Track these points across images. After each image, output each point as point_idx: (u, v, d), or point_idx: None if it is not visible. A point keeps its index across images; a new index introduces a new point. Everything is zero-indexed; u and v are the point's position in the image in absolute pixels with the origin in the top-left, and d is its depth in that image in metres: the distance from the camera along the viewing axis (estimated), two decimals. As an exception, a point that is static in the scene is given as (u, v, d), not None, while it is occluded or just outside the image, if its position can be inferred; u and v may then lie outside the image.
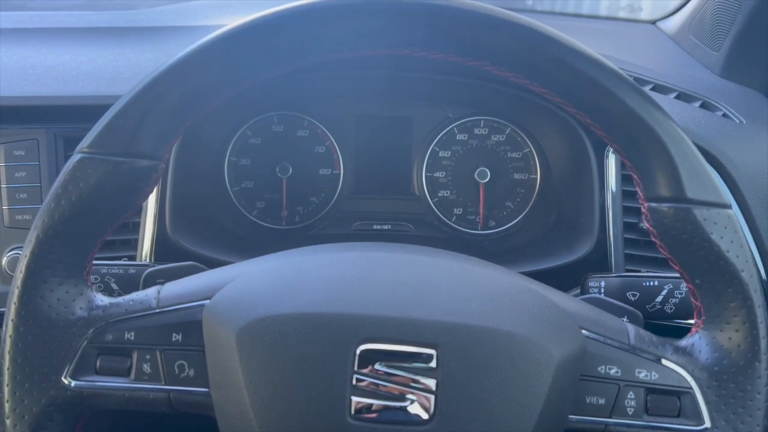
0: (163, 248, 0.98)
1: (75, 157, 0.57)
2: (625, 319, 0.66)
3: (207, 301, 0.59)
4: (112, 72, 1.02)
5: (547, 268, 0.98)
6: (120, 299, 0.60)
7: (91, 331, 0.58)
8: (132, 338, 0.58)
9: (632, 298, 0.76)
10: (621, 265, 0.98)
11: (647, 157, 0.59)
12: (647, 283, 0.76)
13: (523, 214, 1.16)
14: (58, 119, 0.96)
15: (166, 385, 0.58)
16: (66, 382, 0.57)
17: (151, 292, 0.61)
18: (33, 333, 0.57)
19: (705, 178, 0.58)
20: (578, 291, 0.82)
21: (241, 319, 0.57)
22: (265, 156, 1.15)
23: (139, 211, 0.99)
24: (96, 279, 0.75)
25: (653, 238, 0.62)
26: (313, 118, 1.16)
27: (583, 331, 0.60)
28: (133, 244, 0.99)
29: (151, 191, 0.60)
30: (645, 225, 0.62)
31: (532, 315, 0.58)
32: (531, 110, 1.10)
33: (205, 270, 0.70)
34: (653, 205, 0.60)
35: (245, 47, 0.57)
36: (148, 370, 0.58)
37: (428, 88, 1.13)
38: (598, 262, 0.98)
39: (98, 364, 0.58)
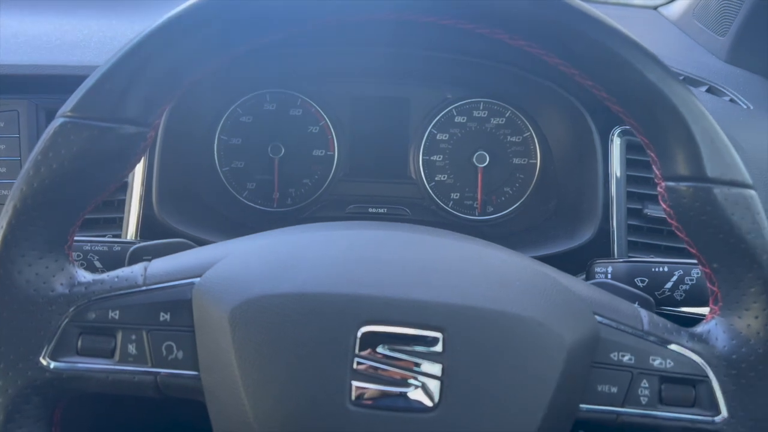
0: (149, 228, 0.94)
1: (57, 122, 0.53)
2: (636, 305, 0.63)
3: (197, 279, 0.56)
4: (99, 42, 0.98)
5: (547, 254, 0.95)
6: (104, 276, 0.56)
7: (72, 308, 0.54)
8: (116, 317, 0.55)
9: (640, 284, 0.73)
10: (624, 252, 0.95)
11: (666, 133, 0.56)
12: (656, 269, 0.73)
13: (522, 199, 1.13)
14: (40, 90, 0.92)
15: (152, 367, 0.55)
16: (44, 362, 0.54)
17: (137, 268, 0.57)
18: (9, 309, 0.53)
19: (727, 156, 0.55)
20: (583, 277, 0.79)
21: (234, 298, 0.53)
22: (256, 135, 1.12)
23: (125, 188, 0.95)
24: (78, 256, 0.71)
25: (669, 220, 0.59)
26: (307, 96, 1.13)
27: (596, 316, 0.57)
28: (118, 223, 0.95)
29: (139, 161, 0.56)
30: (662, 206, 0.59)
31: (544, 298, 0.55)
32: (532, 93, 1.07)
33: (195, 247, 0.66)
34: (671, 184, 0.57)
35: (242, 6, 0.53)
36: (134, 351, 0.55)
37: (427, 66, 1.09)
38: (600, 248, 0.95)
39: (80, 344, 0.54)
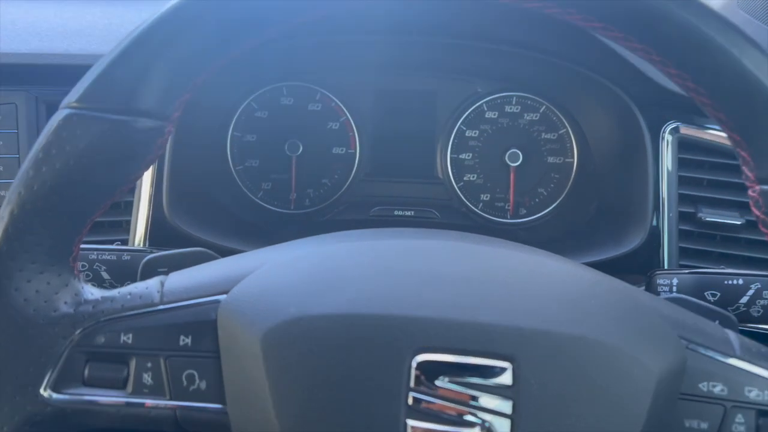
0: (158, 232, 0.87)
1: (61, 113, 0.46)
2: (717, 324, 0.56)
3: (223, 296, 0.48)
4: (102, 30, 0.90)
5: (590, 261, 0.88)
6: (114, 292, 0.49)
7: (79, 331, 0.47)
8: (129, 341, 0.47)
9: (711, 299, 0.66)
10: (674, 260, 0.88)
11: (763, 129, 0.48)
12: (729, 282, 0.66)
13: (558, 201, 1.05)
14: (40, 80, 0.84)
15: (171, 399, 0.47)
16: (46, 395, 0.46)
17: (152, 283, 0.50)
18: (5, 333, 0.46)
19: None
20: (642, 288, 0.72)
21: (267, 320, 0.46)
22: (272, 132, 1.05)
23: (132, 189, 0.87)
24: (83, 266, 0.64)
25: (762, 228, 0.51)
26: (326, 90, 1.06)
27: (682, 340, 0.49)
28: (125, 227, 0.87)
29: (155, 159, 0.49)
30: (753, 211, 0.51)
31: (626, 320, 0.47)
32: (571, 85, 0.99)
33: (214, 257, 0.59)
34: (766, 188, 0.49)
35: None
36: (150, 381, 0.47)
37: (455, 57, 1.02)
38: (648, 256, 0.88)
39: (87, 373, 0.47)
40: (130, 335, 0.47)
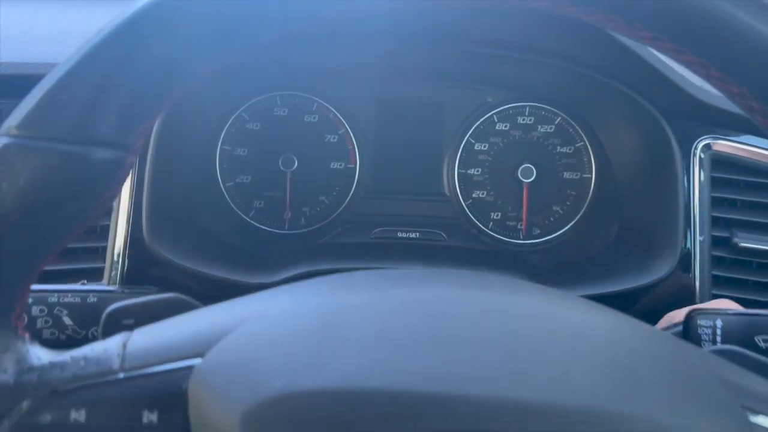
0: (137, 259, 0.79)
1: (-2, 143, 0.37)
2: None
3: (197, 361, 0.40)
4: (80, 34, 0.81)
5: (614, 291, 0.80)
6: (66, 356, 0.41)
7: (20, 407, 0.39)
8: (82, 419, 0.39)
9: (763, 345, 0.57)
10: (707, 289, 0.80)
11: None
12: (784, 325, 0.58)
13: (575, 220, 0.97)
14: (5, 92, 0.76)
15: (132, 490, 0.39)
16: (-22, 487, 0.38)
17: (112, 345, 0.41)
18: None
19: None
20: (678, 330, 0.63)
21: (247, 396, 0.37)
22: (265, 145, 0.98)
23: (109, 211, 0.79)
24: (41, 312, 0.55)
25: None
26: (323, 100, 0.99)
27: (746, 412, 0.41)
28: (101, 254, 0.79)
29: (114, 196, 0.41)
30: None
31: (683, 391, 0.39)
32: (589, 95, 0.91)
33: (193, 304, 0.51)
34: None
35: None
36: (106, 468, 0.39)
37: (464, 64, 0.95)
38: (678, 285, 0.80)
39: None
40: (83, 412, 0.39)
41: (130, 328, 0.44)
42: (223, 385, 0.38)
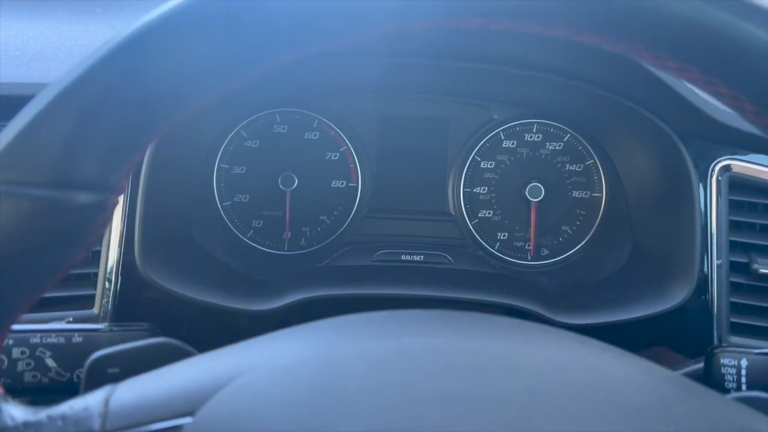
0: (129, 285, 0.76)
1: (-38, 187, 0.34)
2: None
3: (187, 420, 0.36)
4: (68, 52, 0.79)
5: (629, 318, 0.76)
6: (43, 416, 0.37)
7: (-9, 473, 0.35)
8: (58, 489, 0.35)
9: (791, 387, 0.54)
10: (724, 317, 0.76)
11: None
12: (813, 366, 0.54)
13: (585, 241, 0.94)
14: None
15: None
16: None
17: (93, 402, 0.38)
18: None
19: None
20: (698, 367, 0.60)
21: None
22: (264, 163, 0.95)
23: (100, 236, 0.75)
24: (23, 354, 0.52)
25: None
26: (324, 117, 0.95)
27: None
28: (92, 280, 0.75)
29: (96, 242, 0.37)
30: None
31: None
32: (600, 112, 0.88)
33: (184, 350, 0.47)
34: None
35: (245, 13, 0.35)
36: None
37: (468, 80, 0.92)
38: (695, 313, 0.77)
39: None
40: (60, 480, 0.35)
41: (116, 377, 0.40)
42: (214, 450, 0.35)
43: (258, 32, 0.35)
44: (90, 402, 0.38)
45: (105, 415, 0.37)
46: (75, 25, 0.86)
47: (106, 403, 0.38)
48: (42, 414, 0.37)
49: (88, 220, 0.36)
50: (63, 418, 0.37)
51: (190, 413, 0.36)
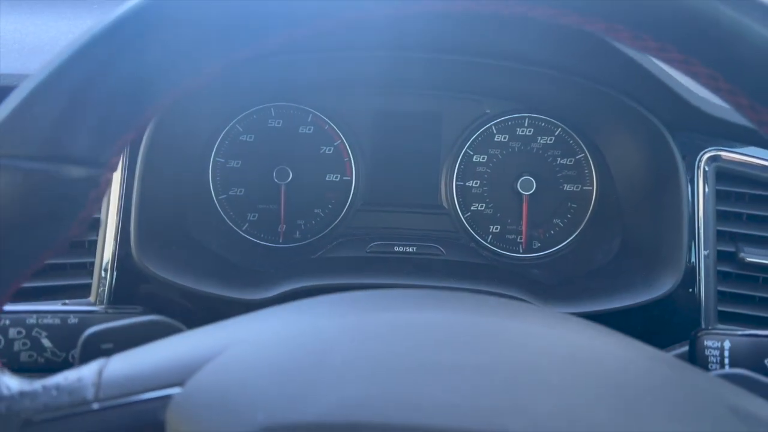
0: (125, 275, 0.77)
1: (-42, 161, 0.35)
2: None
3: (177, 390, 0.37)
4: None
5: (618, 307, 0.77)
6: (38, 386, 0.38)
7: (-12, 439, 0.36)
8: (53, 453, 0.36)
9: (773, 367, 0.55)
10: (712, 306, 0.77)
11: None
12: (794, 347, 0.55)
13: (576, 233, 0.95)
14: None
15: None
16: None
17: (88, 372, 0.39)
18: None
19: None
20: (683, 350, 0.61)
21: (230, 428, 0.35)
22: (259, 157, 0.96)
23: (96, 226, 0.77)
24: (19, 334, 0.53)
25: None
26: (319, 111, 0.96)
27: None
28: (89, 269, 0.77)
29: (89, 217, 0.38)
30: None
31: (688, 418, 0.37)
32: (590, 106, 0.89)
33: (176, 327, 0.48)
34: None
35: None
36: (78, 507, 0.36)
37: (461, 75, 0.93)
38: (683, 301, 0.78)
39: None
40: (54, 445, 0.37)
41: (109, 353, 0.42)
42: (202, 417, 0.36)
43: (243, 13, 0.37)
44: (84, 373, 0.39)
45: (98, 384, 0.38)
46: (72, 20, 0.87)
47: (100, 373, 0.39)
48: (37, 384, 0.39)
49: (81, 195, 0.37)
50: (57, 387, 0.38)
51: (180, 384, 0.37)
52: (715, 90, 0.40)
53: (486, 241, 0.96)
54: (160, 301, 0.79)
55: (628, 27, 0.38)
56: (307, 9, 0.37)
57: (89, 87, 0.36)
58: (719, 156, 0.78)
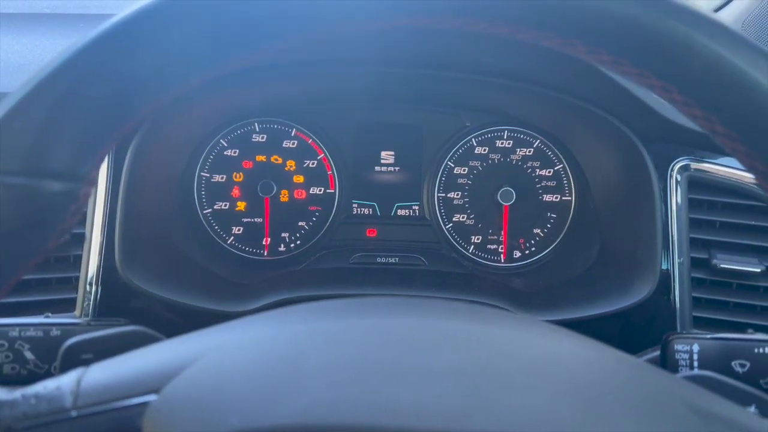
0: (110, 289, 0.77)
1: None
2: (753, 410, 0.47)
3: (152, 397, 0.38)
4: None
5: (596, 314, 0.79)
6: (17, 394, 0.39)
7: (-32, 448, 0.37)
8: (32, 460, 0.37)
9: (740, 370, 0.57)
10: (687, 311, 0.79)
11: None
12: (760, 349, 0.57)
13: (555, 244, 0.97)
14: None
15: None
16: None
17: (66, 381, 0.40)
18: None
19: None
20: (655, 355, 0.62)
21: (208, 429, 0.36)
22: (243, 172, 0.97)
23: (81, 240, 0.78)
24: (2, 347, 0.54)
25: None
26: (302, 125, 0.98)
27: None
28: (74, 284, 0.77)
29: (68, 231, 0.39)
30: None
31: (651, 418, 0.38)
32: (567, 118, 0.91)
33: (155, 337, 0.49)
34: None
35: (209, 13, 0.37)
36: None
37: (442, 89, 0.94)
38: (658, 307, 0.79)
39: None
40: (33, 452, 0.37)
41: (89, 363, 0.42)
42: (178, 423, 0.37)
43: (217, 30, 0.38)
44: (63, 382, 0.40)
45: (77, 393, 0.39)
46: (58, 40, 0.88)
47: (78, 382, 0.40)
48: (17, 393, 0.39)
49: (61, 208, 0.38)
50: (36, 396, 0.39)
51: (156, 391, 0.38)
52: (671, 101, 0.41)
53: (467, 252, 0.98)
54: (145, 314, 0.80)
55: (584, 42, 0.40)
56: (261, 32, 0.39)
57: (67, 104, 0.37)
58: (691, 165, 0.80)
